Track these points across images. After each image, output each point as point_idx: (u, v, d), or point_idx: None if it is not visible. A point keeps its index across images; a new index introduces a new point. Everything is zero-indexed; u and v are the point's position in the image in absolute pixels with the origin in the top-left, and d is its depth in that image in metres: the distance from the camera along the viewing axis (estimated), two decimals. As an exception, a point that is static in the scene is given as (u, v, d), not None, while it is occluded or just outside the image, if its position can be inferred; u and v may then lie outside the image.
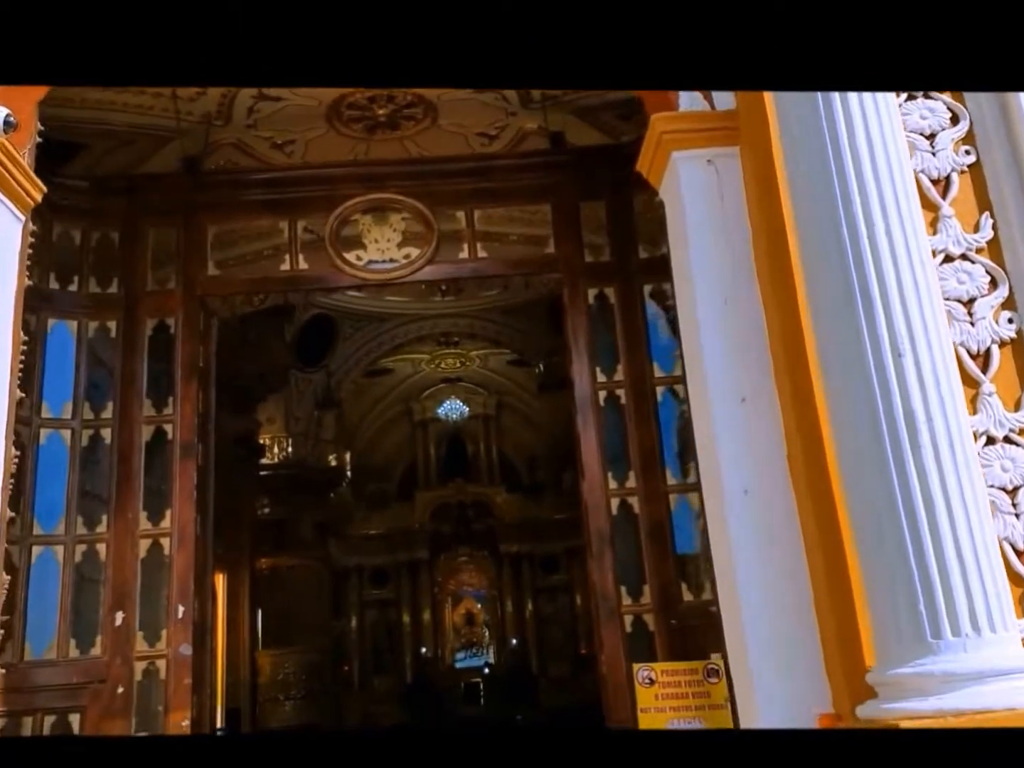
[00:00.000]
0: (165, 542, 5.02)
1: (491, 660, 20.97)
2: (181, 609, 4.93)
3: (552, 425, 21.21)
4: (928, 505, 2.71)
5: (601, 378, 5.38)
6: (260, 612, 14.43)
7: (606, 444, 5.32)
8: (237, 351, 13.36)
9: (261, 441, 17.45)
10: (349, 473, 20.58)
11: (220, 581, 12.77)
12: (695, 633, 5.03)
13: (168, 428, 5.13)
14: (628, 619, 5.09)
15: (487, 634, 21.46)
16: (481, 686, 20.24)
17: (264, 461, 17.94)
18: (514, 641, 21.03)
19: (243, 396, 13.61)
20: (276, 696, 12.59)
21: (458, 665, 21.06)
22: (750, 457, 3.32)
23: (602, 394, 5.37)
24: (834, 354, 2.89)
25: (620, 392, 5.37)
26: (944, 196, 3.31)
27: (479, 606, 21.75)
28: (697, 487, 5.18)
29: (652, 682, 4.82)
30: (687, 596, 5.09)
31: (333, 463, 19.33)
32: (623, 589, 5.13)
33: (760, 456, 3.32)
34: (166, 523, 5.02)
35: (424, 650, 21.06)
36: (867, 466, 2.77)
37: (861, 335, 2.77)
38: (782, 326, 3.25)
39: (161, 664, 4.90)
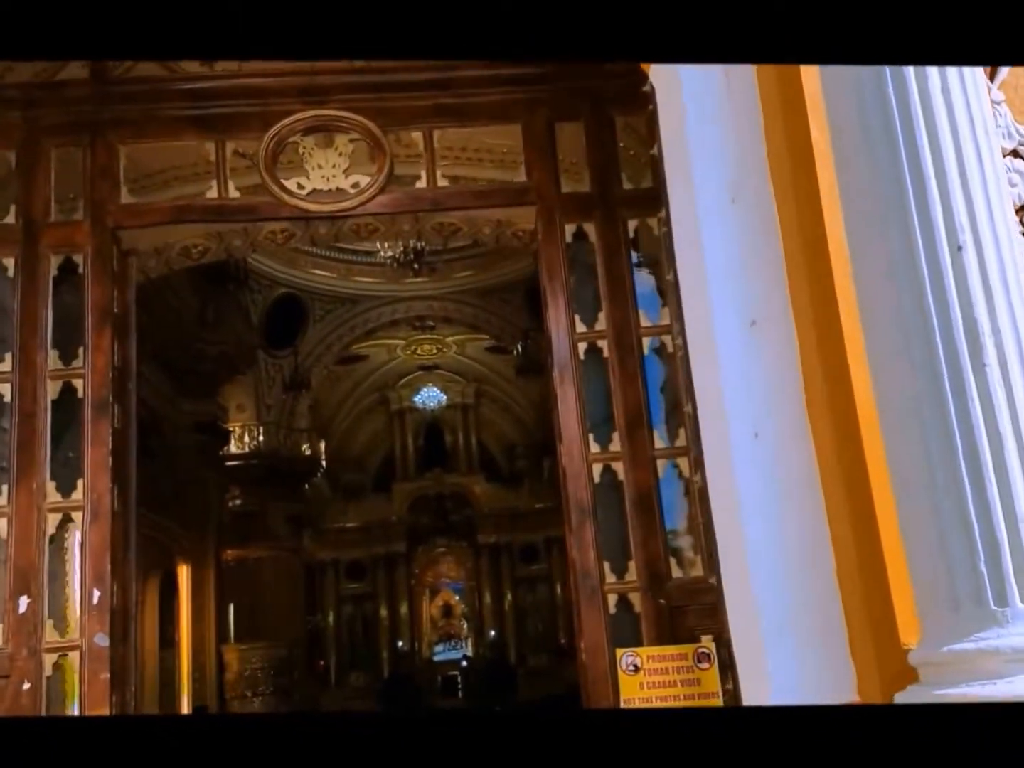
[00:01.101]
0: (78, 517, 4.36)
1: (469, 652, 20.47)
2: (97, 594, 4.28)
3: (531, 412, 20.68)
4: (993, 439, 2.11)
5: (581, 327, 4.75)
6: (232, 606, 13.80)
7: (587, 402, 4.70)
8: (196, 331, 12.71)
9: (230, 428, 16.78)
10: (324, 463, 19.93)
11: (184, 573, 12.14)
12: (685, 614, 4.44)
13: (79, 384, 4.46)
14: (611, 599, 4.48)
15: (465, 626, 20.95)
16: (459, 678, 19.73)
17: (234, 451, 17.29)
18: (492, 633, 20.54)
19: (205, 378, 12.92)
20: (244, 693, 11.96)
21: (436, 658, 20.55)
22: (761, 393, 2.72)
23: (582, 346, 4.74)
24: (871, 253, 2.28)
25: (602, 344, 4.75)
26: (992, 78, 2.71)
27: (457, 598, 21.24)
28: (687, 451, 4.60)
29: (637, 669, 4.25)
30: (676, 572, 4.49)
31: (307, 452, 18.67)
32: (606, 566, 4.51)
33: (773, 392, 2.72)
34: (78, 495, 4.36)
35: (401, 644, 20.52)
36: (914, 393, 2.18)
37: (909, 225, 2.17)
38: (801, 227, 2.66)
39: (75, 657, 4.25)
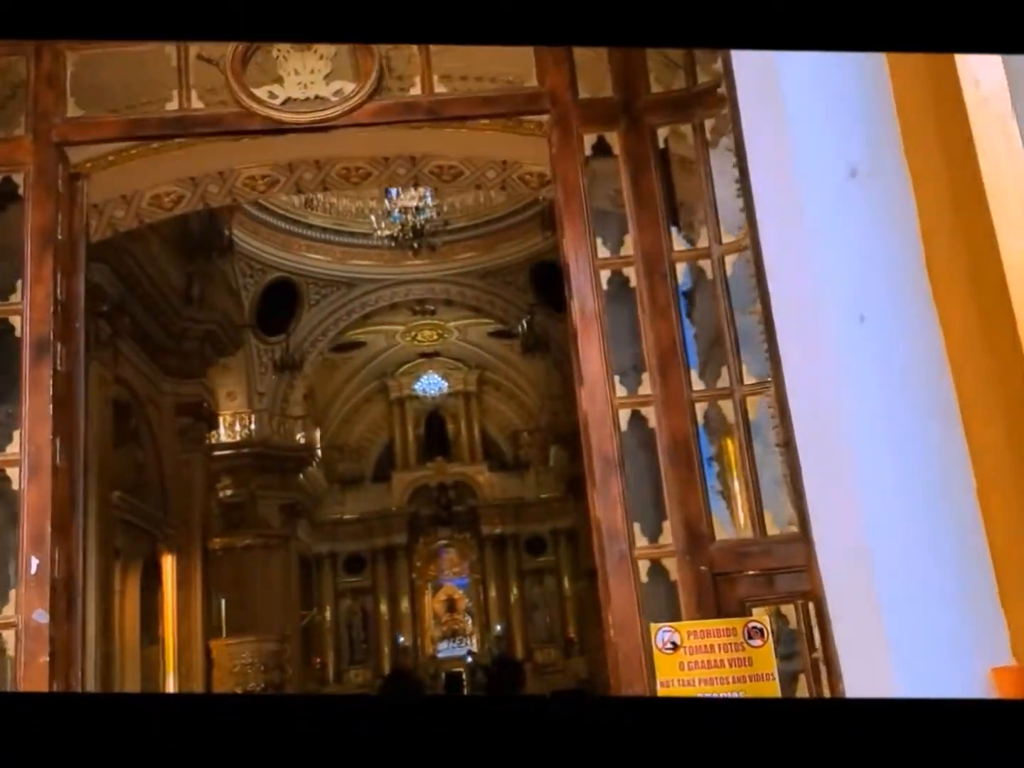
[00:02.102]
0: (14, 474, 3.70)
1: (474, 648, 19.80)
2: (35, 562, 3.62)
3: (536, 398, 20.00)
4: None
5: (603, 253, 4.09)
6: (223, 600, 13.14)
7: (611, 340, 4.03)
8: (180, 308, 12.02)
9: (219, 416, 16.14)
10: (319, 452, 19.27)
11: (169, 563, 11.47)
12: (732, 582, 3.78)
13: (16, 322, 3.83)
14: (643, 566, 3.82)
15: (470, 621, 20.27)
16: (463, 675, 19.07)
17: (225, 439, 16.65)
18: (498, 627, 19.87)
19: (190, 358, 12.24)
20: (233, 689, 11.28)
21: (440, 655, 19.91)
22: (867, 264, 2.05)
23: (604, 274, 4.08)
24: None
25: (629, 271, 4.08)
26: None
27: (461, 592, 20.57)
28: (730, 393, 3.93)
29: (676, 646, 3.60)
30: (721, 534, 3.82)
31: (301, 441, 18.00)
32: (636, 527, 3.85)
33: (884, 261, 2.04)
34: (15, 448, 3.71)
35: (403, 639, 19.86)
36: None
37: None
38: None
39: (9, 636, 3.59)
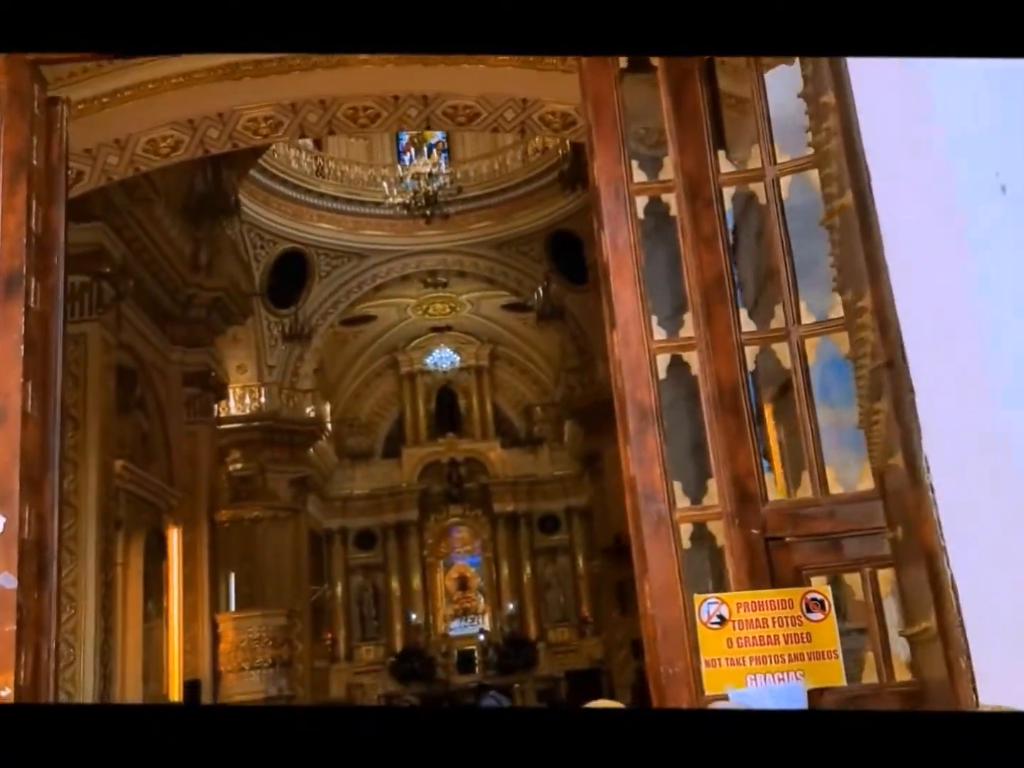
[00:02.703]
0: (-21, 420, 3.29)
1: (486, 627, 19.48)
2: (1, 521, 3.22)
3: (551, 372, 19.58)
4: None
5: (639, 177, 3.62)
6: (231, 574, 12.84)
7: (647, 275, 3.57)
8: (187, 275, 11.63)
9: (229, 388, 15.82)
10: (329, 427, 18.92)
11: (175, 535, 11.13)
12: (787, 548, 3.33)
13: (-13, 256, 3.44)
14: (685, 529, 3.37)
15: (482, 600, 19.96)
16: (475, 653, 18.77)
17: (234, 413, 16.36)
18: (511, 606, 19.54)
19: (197, 326, 11.85)
20: (241, 665, 10.96)
21: (452, 633, 19.62)
22: (1006, 123, 1.59)
23: (641, 201, 3.60)
24: None
25: (668, 197, 3.61)
26: None
27: (473, 570, 20.26)
28: (786, 335, 3.46)
29: (723, 620, 3.18)
30: (774, 493, 3.36)
31: (311, 414, 17.68)
32: (677, 486, 3.40)
33: (1029, 116, 1.58)
34: (-20, 391, 3.30)
35: (414, 617, 19.57)
36: None
37: None
38: None
39: (-28, 604, 3.19)
